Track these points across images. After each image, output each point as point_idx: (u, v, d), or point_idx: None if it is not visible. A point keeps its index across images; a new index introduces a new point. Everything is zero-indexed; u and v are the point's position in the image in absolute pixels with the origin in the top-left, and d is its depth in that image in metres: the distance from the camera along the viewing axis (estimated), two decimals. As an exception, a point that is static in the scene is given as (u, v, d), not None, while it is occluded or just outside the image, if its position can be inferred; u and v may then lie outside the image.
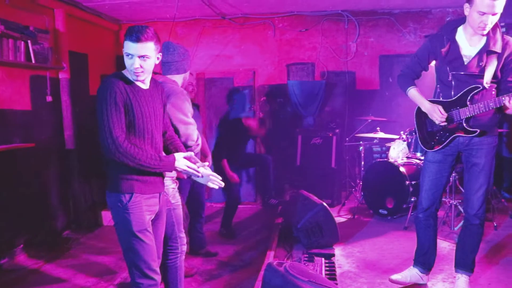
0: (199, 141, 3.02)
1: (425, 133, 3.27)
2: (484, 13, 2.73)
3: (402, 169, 5.02)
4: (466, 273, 3.17)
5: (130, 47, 2.26)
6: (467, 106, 2.93)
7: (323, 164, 5.95)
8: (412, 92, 3.20)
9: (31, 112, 4.84)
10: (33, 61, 4.64)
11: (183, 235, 2.92)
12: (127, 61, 2.30)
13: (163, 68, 3.05)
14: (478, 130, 2.93)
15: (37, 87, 4.92)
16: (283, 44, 6.68)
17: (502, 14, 2.80)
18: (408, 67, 3.25)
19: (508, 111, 2.87)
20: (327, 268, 3.62)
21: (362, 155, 5.79)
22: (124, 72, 2.37)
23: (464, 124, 2.97)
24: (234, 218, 5.19)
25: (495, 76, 2.89)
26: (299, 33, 6.62)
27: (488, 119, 2.98)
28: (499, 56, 2.88)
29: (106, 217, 5.54)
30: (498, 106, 2.81)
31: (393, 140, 5.52)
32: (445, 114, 3.01)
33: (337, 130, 6.04)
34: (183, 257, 2.96)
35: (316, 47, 6.61)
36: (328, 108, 6.61)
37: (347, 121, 6.52)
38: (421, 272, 3.34)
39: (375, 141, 5.84)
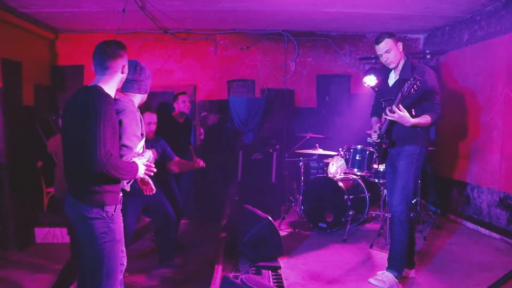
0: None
1: (377, 151, 3.99)
2: (380, 55, 3.59)
3: (340, 184, 5.26)
4: (392, 272, 3.64)
5: None
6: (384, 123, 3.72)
7: (263, 179, 6.07)
8: (372, 119, 4.03)
9: (-41, 122, 4.52)
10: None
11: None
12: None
13: (125, 86, 2.94)
14: (387, 141, 3.69)
15: (-34, 96, 4.61)
16: (224, 60, 6.79)
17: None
18: (373, 105, 4.11)
19: (394, 119, 3.46)
20: (275, 280, 3.69)
21: (302, 170, 5.98)
22: (103, 87, 2.44)
23: (384, 137, 3.71)
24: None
25: (406, 98, 3.44)
26: (240, 50, 6.77)
27: (402, 131, 3.58)
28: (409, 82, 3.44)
29: (40, 234, 5.24)
30: (388, 119, 3.54)
31: (331, 156, 5.77)
32: (377, 132, 3.77)
33: (277, 146, 6.20)
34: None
35: (257, 64, 6.78)
36: (268, 125, 6.78)
37: (287, 137, 6.73)
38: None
39: (314, 157, 6.06)
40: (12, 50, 5.38)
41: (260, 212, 4.53)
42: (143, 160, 2.56)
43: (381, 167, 4.86)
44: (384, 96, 3.75)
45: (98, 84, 2.44)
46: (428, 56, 6.36)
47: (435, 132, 6.52)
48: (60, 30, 6.47)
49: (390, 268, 3.68)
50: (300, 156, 5.98)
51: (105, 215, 2.40)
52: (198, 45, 6.73)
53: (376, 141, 3.80)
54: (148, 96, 2.98)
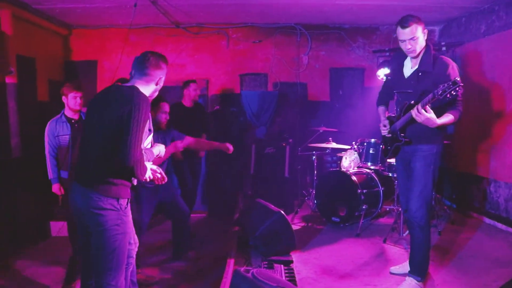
0: None
1: (384, 144, 3.79)
2: (403, 40, 3.20)
3: (354, 178, 5.21)
4: (414, 276, 3.42)
5: None
6: (400, 119, 3.42)
7: (276, 173, 6.05)
8: (379, 109, 3.81)
9: (-25, 118, 4.59)
10: (-22, 64, 4.41)
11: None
12: None
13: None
14: (403, 140, 3.41)
15: (-19, 92, 4.68)
16: (236, 54, 6.76)
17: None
18: (381, 90, 3.87)
19: (419, 120, 3.12)
20: (287, 275, 3.68)
21: (315, 164, 5.94)
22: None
23: (399, 134, 3.44)
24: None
25: (428, 92, 3.08)
26: (253, 44, 6.73)
27: (420, 129, 3.30)
28: (431, 74, 3.21)
29: (55, 227, 5.30)
30: (411, 117, 3.20)
31: (344, 150, 5.72)
32: (387, 128, 3.58)
33: (290, 140, 6.17)
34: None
35: (269, 58, 6.75)
36: (280, 118, 6.74)
37: (299, 131, 6.68)
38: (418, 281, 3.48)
39: (327, 151, 6.02)
40: (26, 47, 5.44)
41: (272, 206, 4.51)
42: (153, 166, 2.70)
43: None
44: (398, 87, 3.49)
45: (136, 86, 2.53)
46: (444, 48, 6.23)
47: (450, 126, 6.40)
48: (73, 26, 6.51)
49: (412, 273, 3.46)
50: (313, 150, 5.94)
51: (119, 207, 2.46)
52: (211, 39, 6.72)
53: (387, 135, 3.64)
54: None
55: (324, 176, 5.66)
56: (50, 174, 4.10)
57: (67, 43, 6.58)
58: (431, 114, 3.06)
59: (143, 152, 2.51)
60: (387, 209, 5.60)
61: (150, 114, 2.74)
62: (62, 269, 4.15)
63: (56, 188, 4.12)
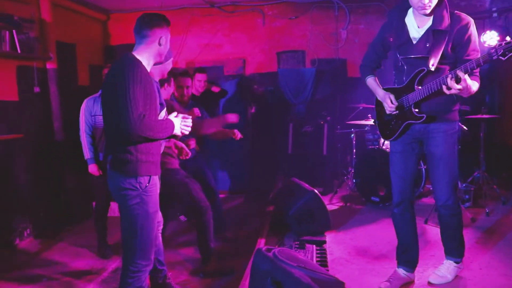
0: None
1: (382, 122, 3.16)
2: None
3: (393, 155, 5.00)
4: (452, 258, 3.15)
5: None
6: (415, 90, 2.82)
7: (314, 152, 5.94)
8: (369, 81, 3.16)
9: (18, 103, 4.77)
10: (19, 51, 4.56)
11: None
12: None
13: None
14: (425, 116, 2.80)
15: (24, 77, 4.85)
16: (273, 31, 6.63)
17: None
18: (366, 56, 3.22)
19: (452, 92, 2.58)
20: (318, 255, 3.61)
21: (354, 142, 5.76)
22: (136, 55, 2.45)
23: (413, 110, 2.85)
24: (224, 207, 5.15)
25: (445, 56, 2.72)
26: (289, 20, 6.57)
27: (440, 103, 2.82)
28: (448, 34, 2.70)
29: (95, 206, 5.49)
30: (440, 87, 2.63)
31: (384, 127, 5.49)
32: (395, 104, 2.90)
33: (328, 118, 6.02)
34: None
35: (306, 34, 6.56)
36: (319, 96, 6.57)
37: (339, 108, 6.50)
38: (406, 271, 3.14)
39: (366, 128, 5.82)
40: (66, 33, 5.58)
41: (307, 185, 4.43)
42: (178, 118, 2.53)
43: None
44: (404, 52, 2.87)
45: (132, 53, 2.45)
46: (495, 15, 5.79)
47: (498, 98, 5.99)
48: (111, 11, 6.61)
49: (449, 254, 3.16)
50: (351, 127, 5.76)
51: (138, 186, 2.41)
52: (246, 17, 6.61)
53: (394, 113, 2.95)
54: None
55: (363, 154, 5.48)
56: (87, 154, 4.17)
57: (106, 28, 6.70)
58: (469, 81, 2.54)
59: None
60: (430, 188, 5.34)
61: (158, 86, 2.72)
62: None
63: (93, 168, 4.17)
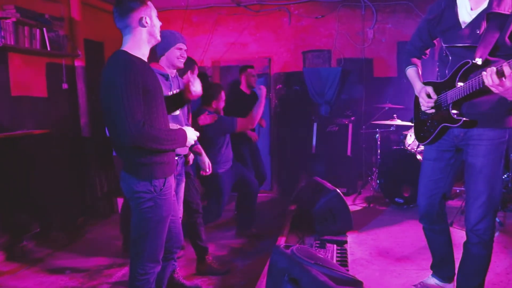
0: None
1: (418, 122, 2.73)
2: None
3: (419, 157, 4.91)
4: None
5: None
6: (455, 87, 2.32)
7: (338, 152, 5.87)
8: (409, 71, 2.72)
9: (47, 99, 4.90)
10: (49, 48, 4.68)
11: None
12: None
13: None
14: (462, 120, 2.32)
15: (53, 74, 4.98)
16: (299, 31, 6.60)
17: None
18: (410, 43, 2.74)
19: (498, 90, 2.06)
20: (339, 255, 3.57)
21: (379, 143, 5.68)
22: (129, 49, 2.26)
23: (451, 111, 2.37)
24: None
25: (500, 46, 2.22)
26: (315, 20, 6.52)
27: (486, 105, 2.31)
28: (508, 19, 2.17)
29: (121, 204, 5.58)
30: (482, 85, 2.11)
31: (410, 127, 5.41)
32: (433, 98, 2.46)
33: (353, 118, 5.95)
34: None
35: (333, 33, 6.50)
36: (344, 96, 6.50)
37: (364, 108, 6.41)
38: (441, 282, 2.84)
39: (391, 128, 5.73)
40: (94, 31, 5.69)
41: (329, 184, 4.39)
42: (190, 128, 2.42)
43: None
44: (450, 40, 2.38)
45: (123, 48, 2.27)
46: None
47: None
48: (138, 10, 6.70)
49: None
50: (376, 127, 5.68)
51: (152, 190, 2.26)
52: (272, 16, 6.61)
53: (429, 111, 2.53)
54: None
55: (388, 154, 5.40)
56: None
57: (133, 27, 6.80)
58: None
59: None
60: (457, 191, 5.22)
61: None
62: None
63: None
